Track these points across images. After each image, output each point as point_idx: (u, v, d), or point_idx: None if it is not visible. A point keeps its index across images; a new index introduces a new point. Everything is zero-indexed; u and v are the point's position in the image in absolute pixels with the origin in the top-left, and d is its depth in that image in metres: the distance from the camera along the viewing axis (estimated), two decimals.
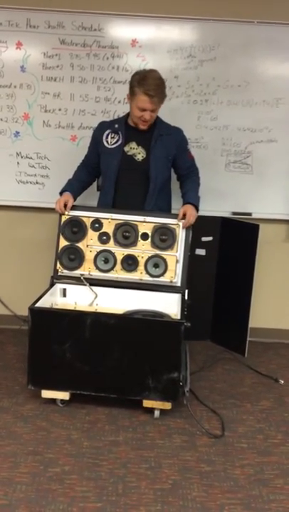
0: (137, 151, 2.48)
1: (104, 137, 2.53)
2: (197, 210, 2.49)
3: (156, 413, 2.25)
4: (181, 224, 2.44)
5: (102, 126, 2.58)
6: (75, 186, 2.57)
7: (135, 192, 2.50)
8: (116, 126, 2.53)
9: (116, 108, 2.92)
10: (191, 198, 2.50)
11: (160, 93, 2.36)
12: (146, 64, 2.85)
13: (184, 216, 2.43)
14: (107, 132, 2.53)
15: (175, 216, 2.48)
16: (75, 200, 2.54)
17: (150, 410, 2.25)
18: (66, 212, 2.48)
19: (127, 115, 2.54)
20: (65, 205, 2.48)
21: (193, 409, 2.25)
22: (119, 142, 2.49)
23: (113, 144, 2.50)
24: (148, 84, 2.32)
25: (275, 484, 1.88)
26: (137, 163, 2.48)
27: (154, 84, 2.33)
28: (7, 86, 2.92)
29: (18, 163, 3.02)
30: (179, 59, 2.88)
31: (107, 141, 2.51)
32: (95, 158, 2.58)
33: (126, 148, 2.49)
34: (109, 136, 2.51)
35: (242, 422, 2.28)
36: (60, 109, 2.94)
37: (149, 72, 2.41)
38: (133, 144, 2.49)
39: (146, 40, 2.86)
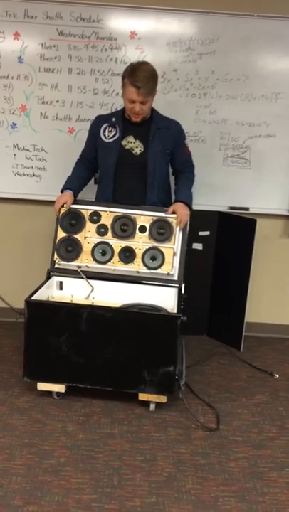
0: (134, 145, 2.47)
1: (101, 131, 2.52)
2: (190, 207, 2.49)
3: (152, 406, 2.26)
4: (175, 221, 2.43)
5: (99, 120, 2.57)
6: (75, 184, 2.55)
7: (134, 186, 2.49)
8: (113, 119, 2.52)
9: (114, 100, 2.90)
10: (183, 195, 2.50)
11: (148, 85, 2.33)
12: (145, 56, 2.83)
13: (175, 214, 2.43)
14: (104, 126, 2.52)
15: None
16: (76, 198, 2.52)
17: (146, 403, 2.26)
18: (62, 211, 2.47)
19: (124, 108, 2.53)
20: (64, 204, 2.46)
21: (188, 403, 2.26)
22: (116, 136, 2.48)
23: (110, 137, 2.49)
24: (136, 75, 2.31)
25: (269, 477, 1.89)
26: (134, 157, 2.48)
27: (142, 76, 2.31)
28: (4, 77, 2.89)
29: (14, 155, 3.00)
30: (178, 52, 2.87)
31: (105, 135, 2.50)
32: (93, 153, 2.57)
33: (123, 142, 2.48)
34: (107, 130, 2.50)
35: (237, 416, 2.29)
36: (57, 101, 2.92)
37: (140, 64, 2.39)
38: (130, 138, 2.48)
39: (145, 33, 2.84)
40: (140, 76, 2.31)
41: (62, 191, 2.53)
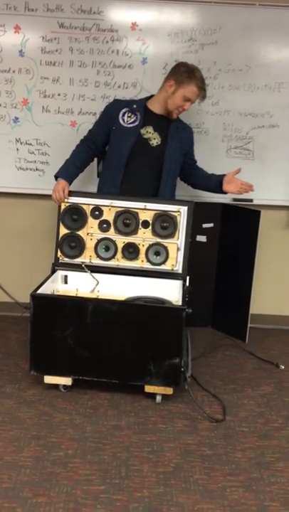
0: (152, 136, 2.46)
1: (120, 115, 2.47)
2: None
3: (158, 398, 2.27)
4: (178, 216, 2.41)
5: (119, 104, 2.53)
6: (72, 172, 2.50)
7: (145, 178, 2.48)
8: (134, 106, 2.49)
9: (116, 93, 2.88)
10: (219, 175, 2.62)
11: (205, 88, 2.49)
12: (146, 48, 2.82)
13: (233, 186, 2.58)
14: (124, 110, 2.48)
15: (176, 203, 2.47)
16: (70, 183, 2.50)
17: (152, 395, 2.27)
18: (66, 200, 2.46)
19: (146, 99, 2.52)
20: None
21: (194, 394, 2.27)
22: (136, 122, 2.45)
23: (130, 123, 2.45)
24: (198, 78, 2.42)
25: (276, 467, 1.90)
26: (150, 148, 2.46)
27: (203, 79, 2.45)
28: (6, 71, 2.88)
29: (17, 149, 3.00)
30: (180, 43, 2.84)
31: (124, 120, 2.46)
32: (102, 136, 2.51)
33: (142, 131, 2.46)
34: (126, 115, 2.47)
35: (243, 407, 2.30)
36: (59, 94, 2.91)
37: (195, 68, 2.48)
38: (150, 128, 2.47)
39: (147, 24, 2.82)
40: (202, 79, 2.44)
41: (56, 177, 2.47)
